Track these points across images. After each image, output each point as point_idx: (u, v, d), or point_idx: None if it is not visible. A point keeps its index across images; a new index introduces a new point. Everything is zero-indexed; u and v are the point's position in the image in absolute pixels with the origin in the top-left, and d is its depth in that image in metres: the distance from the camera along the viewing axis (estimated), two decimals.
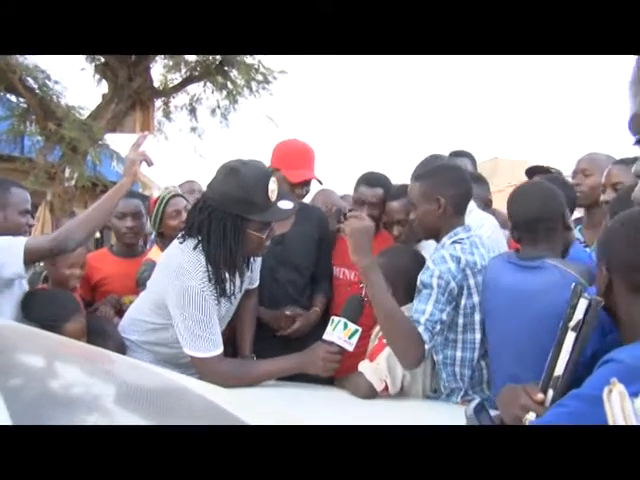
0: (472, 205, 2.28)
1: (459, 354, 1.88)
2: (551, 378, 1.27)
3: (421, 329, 1.74)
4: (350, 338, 1.89)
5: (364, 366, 1.89)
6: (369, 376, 1.84)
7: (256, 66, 7.24)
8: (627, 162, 2.23)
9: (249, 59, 7.21)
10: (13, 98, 6.70)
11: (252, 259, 2.12)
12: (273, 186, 1.92)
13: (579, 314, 1.25)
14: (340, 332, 1.89)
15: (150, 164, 2.29)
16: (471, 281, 1.84)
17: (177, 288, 1.89)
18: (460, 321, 1.86)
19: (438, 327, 1.77)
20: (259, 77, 7.33)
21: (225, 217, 1.88)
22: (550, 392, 1.27)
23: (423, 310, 1.77)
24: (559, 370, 1.26)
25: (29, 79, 6.29)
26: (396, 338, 1.77)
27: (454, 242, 1.88)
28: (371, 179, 2.60)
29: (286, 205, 1.97)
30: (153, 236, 3.62)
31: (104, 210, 2.16)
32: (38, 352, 0.99)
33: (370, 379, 1.83)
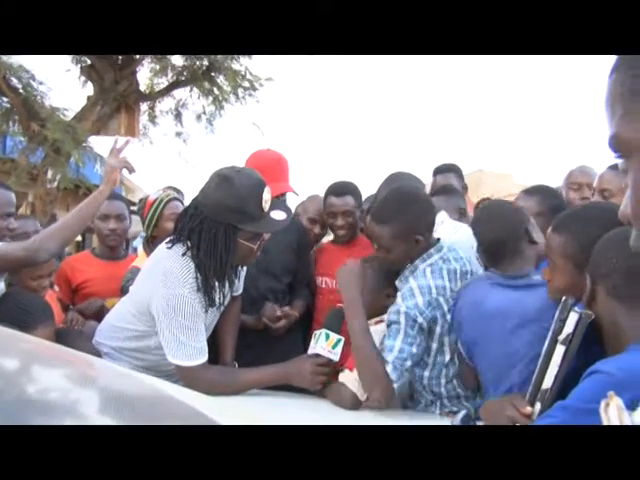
0: (444, 216, 2.30)
1: (427, 374, 1.88)
2: (539, 391, 1.28)
3: (389, 369, 1.73)
4: (334, 348, 1.88)
5: (345, 377, 1.86)
6: (352, 386, 1.82)
7: (243, 72, 7.25)
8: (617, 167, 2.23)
9: (236, 65, 7.22)
10: None
11: (240, 267, 2.10)
12: (267, 196, 1.89)
13: (569, 328, 1.27)
14: (323, 343, 1.88)
15: (131, 171, 2.25)
16: (445, 307, 1.82)
17: (164, 294, 1.85)
18: (434, 345, 1.85)
19: (408, 363, 1.75)
20: (246, 84, 7.34)
21: (217, 226, 1.85)
22: (538, 405, 1.27)
23: (392, 347, 1.75)
24: (547, 383, 1.27)
25: (13, 79, 6.22)
26: (364, 375, 1.77)
27: (428, 265, 1.88)
28: (338, 189, 2.65)
29: (279, 215, 1.95)
30: (135, 243, 3.57)
31: (81, 218, 2.09)
32: (18, 355, 0.96)
33: (353, 389, 1.81)
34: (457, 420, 1.37)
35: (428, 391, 1.90)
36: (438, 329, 1.83)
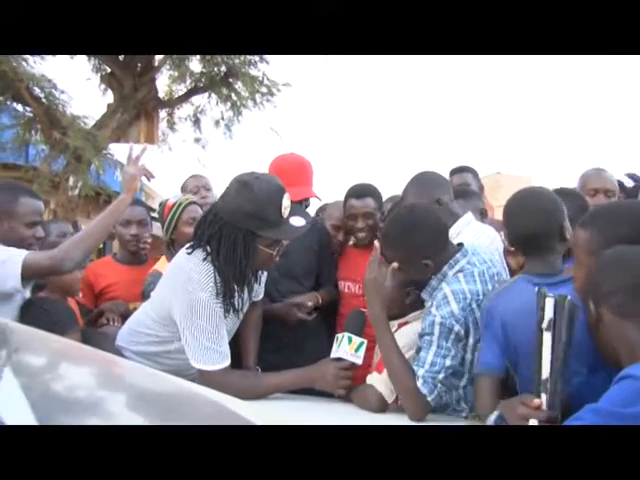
0: (470, 217, 2.28)
1: (462, 383, 1.86)
2: (540, 382, 1.30)
3: (419, 383, 1.70)
4: (357, 351, 1.87)
5: (373, 378, 1.86)
6: (380, 388, 1.81)
7: (260, 78, 7.28)
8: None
9: (254, 71, 7.25)
10: (19, 107, 6.73)
11: (260, 272, 2.11)
12: (286, 202, 1.90)
13: (549, 314, 1.30)
14: (345, 347, 1.87)
15: (150, 178, 2.26)
16: (477, 314, 1.78)
17: (185, 299, 1.87)
18: (468, 357, 1.82)
19: (441, 375, 1.71)
20: (263, 89, 7.36)
21: (236, 232, 1.86)
22: (543, 396, 1.29)
23: (424, 360, 1.72)
24: (545, 373, 1.29)
25: (36, 88, 6.32)
26: (399, 392, 1.77)
27: (458, 271, 1.83)
28: (358, 190, 2.65)
29: (298, 222, 1.95)
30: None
31: (104, 226, 2.11)
32: (51, 354, 0.98)
33: (381, 391, 1.81)
34: (490, 421, 1.37)
35: (463, 400, 1.87)
36: (471, 340, 1.79)
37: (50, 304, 2.18)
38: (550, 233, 1.70)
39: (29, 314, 2.05)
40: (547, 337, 1.30)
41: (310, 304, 2.45)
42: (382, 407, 1.82)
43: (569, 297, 1.31)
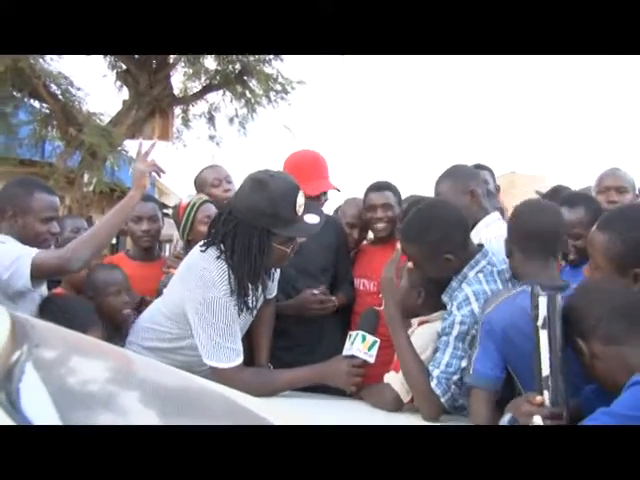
0: (497, 215, 2.30)
1: None
2: (541, 380, 1.32)
3: (434, 384, 1.71)
4: (370, 350, 1.87)
5: (390, 377, 1.86)
6: (396, 387, 1.81)
7: (275, 76, 7.30)
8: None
9: (268, 69, 7.27)
10: (36, 104, 6.80)
11: (273, 269, 2.11)
12: (301, 200, 1.90)
13: (543, 311, 1.32)
14: (359, 345, 1.88)
15: (161, 173, 2.24)
16: None
17: (199, 297, 1.87)
18: None
19: (456, 377, 1.71)
20: (277, 87, 7.38)
21: (251, 230, 1.85)
22: (545, 393, 1.31)
23: (440, 361, 1.73)
24: (545, 370, 1.31)
25: (52, 85, 6.38)
26: (413, 390, 1.78)
27: (478, 272, 1.83)
28: (378, 185, 2.69)
29: (313, 219, 1.95)
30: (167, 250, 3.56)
31: (113, 225, 2.08)
32: (71, 350, 0.99)
33: (398, 390, 1.81)
34: (504, 421, 1.37)
35: None
36: None
37: (68, 301, 2.17)
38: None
39: (48, 312, 2.03)
40: (543, 335, 1.32)
41: (322, 288, 2.44)
42: (397, 406, 1.83)
43: (559, 293, 1.33)
